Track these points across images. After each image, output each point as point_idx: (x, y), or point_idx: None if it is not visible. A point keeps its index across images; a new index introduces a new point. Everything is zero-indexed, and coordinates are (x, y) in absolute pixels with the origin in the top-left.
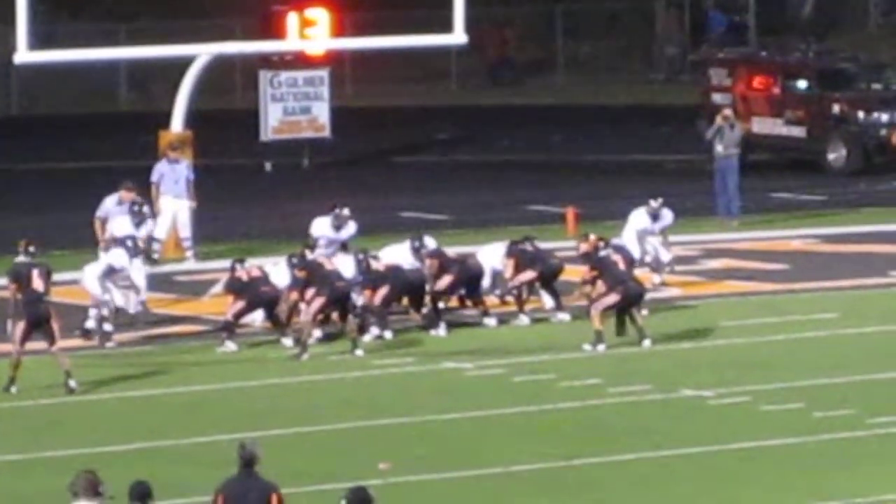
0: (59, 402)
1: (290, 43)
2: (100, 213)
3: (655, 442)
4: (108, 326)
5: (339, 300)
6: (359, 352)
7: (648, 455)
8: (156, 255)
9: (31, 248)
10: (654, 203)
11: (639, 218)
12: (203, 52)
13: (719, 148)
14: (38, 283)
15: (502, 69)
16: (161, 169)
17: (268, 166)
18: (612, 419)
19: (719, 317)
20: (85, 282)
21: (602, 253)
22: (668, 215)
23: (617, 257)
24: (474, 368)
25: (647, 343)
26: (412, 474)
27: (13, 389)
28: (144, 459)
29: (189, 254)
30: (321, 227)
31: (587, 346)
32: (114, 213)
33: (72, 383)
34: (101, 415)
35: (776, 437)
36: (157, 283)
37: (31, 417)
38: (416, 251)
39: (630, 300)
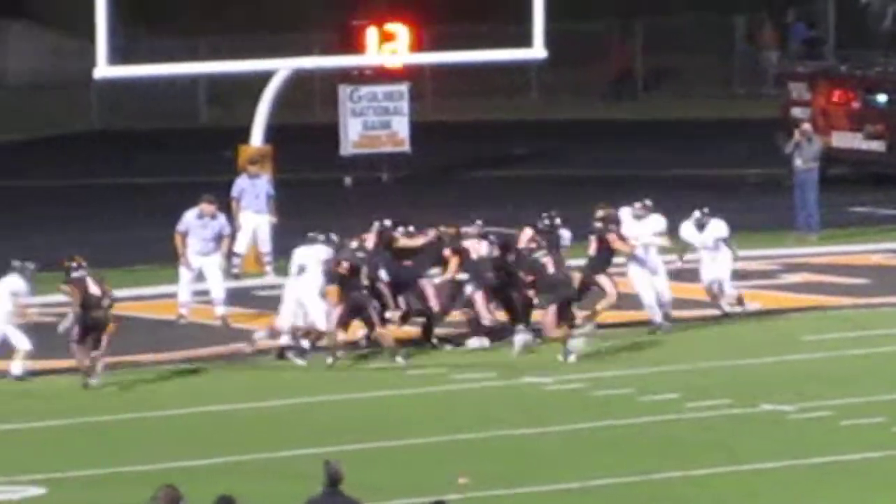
0: (140, 416)
1: (370, 57)
2: (180, 227)
3: (734, 457)
4: (305, 343)
5: (358, 310)
6: (399, 359)
7: (727, 470)
8: (236, 270)
9: (84, 263)
10: (697, 214)
11: (687, 230)
12: (283, 67)
13: (798, 162)
14: (94, 289)
15: (625, 83)
16: (241, 184)
17: (347, 181)
18: (690, 434)
19: (799, 331)
20: (315, 310)
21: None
22: (718, 226)
23: None
24: (554, 383)
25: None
26: (491, 489)
27: (93, 381)
28: (224, 474)
29: (269, 269)
30: None
31: (559, 358)
32: (194, 227)
33: (92, 381)
34: (181, 429)
35: (856, 451)
36: (237, 297)
37: (112, 431)
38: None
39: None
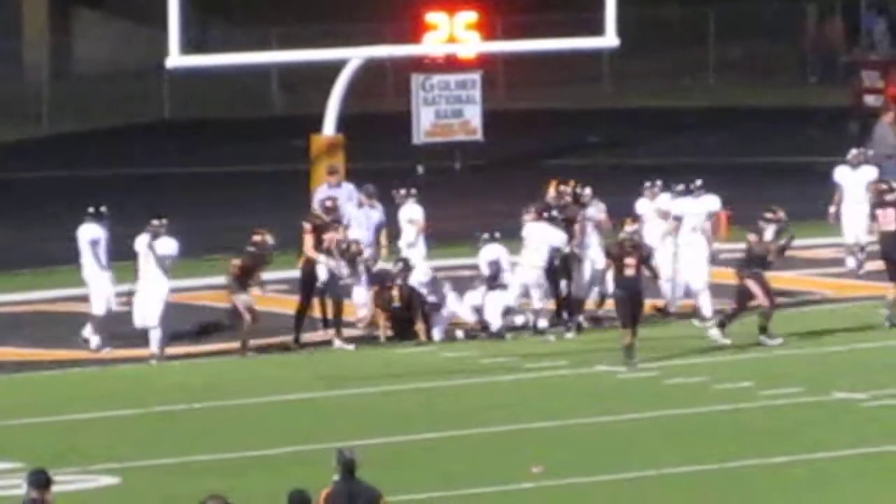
0: (210, 405)
1: (442, 46)
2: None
3: (807, 445)
4: None
5: None
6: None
7: (801, 458)
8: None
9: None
10: None
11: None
12: (355, 56)
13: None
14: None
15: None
16: (321, 195)
17: (420, 169)
18: (764, 422)
19: (871, 318)
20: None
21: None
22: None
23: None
24: (627, 371)
25: None
26: (564, 478)
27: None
28: (298, 464)
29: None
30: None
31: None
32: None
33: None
34: (243, 419)
35: None
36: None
37: (183, 420)
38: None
39: None
